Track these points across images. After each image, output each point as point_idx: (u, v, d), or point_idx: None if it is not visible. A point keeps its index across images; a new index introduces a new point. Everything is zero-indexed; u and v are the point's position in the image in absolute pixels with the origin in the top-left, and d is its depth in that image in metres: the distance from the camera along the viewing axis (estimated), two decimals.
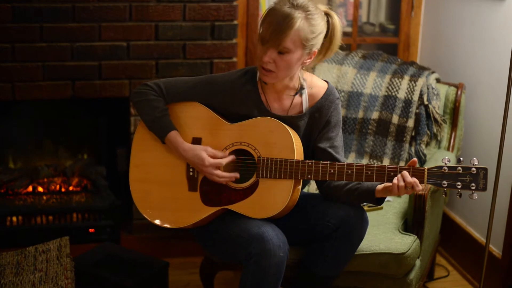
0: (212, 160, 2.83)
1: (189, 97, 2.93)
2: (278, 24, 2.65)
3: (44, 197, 4.02)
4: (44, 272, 3.04)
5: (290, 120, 2.86)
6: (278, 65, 2.72)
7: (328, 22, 2.78)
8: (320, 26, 2.73)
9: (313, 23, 2.69)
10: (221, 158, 2.85)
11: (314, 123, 2.90)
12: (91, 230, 3.94)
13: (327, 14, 2.79)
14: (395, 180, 2.67)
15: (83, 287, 3.25)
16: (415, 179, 2.66)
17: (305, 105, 2.89)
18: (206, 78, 2.95)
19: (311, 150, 2.92)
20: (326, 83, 2.94)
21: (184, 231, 3.03)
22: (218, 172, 2.83)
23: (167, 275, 3.49)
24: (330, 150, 2.88)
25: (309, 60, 2.78)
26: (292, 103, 2.89)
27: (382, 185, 2.76)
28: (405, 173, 2.67)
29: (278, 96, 2.88)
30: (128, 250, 3.57)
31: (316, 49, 2.76)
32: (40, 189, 4.06)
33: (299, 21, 2.65)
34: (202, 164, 2.83)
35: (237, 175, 2.85)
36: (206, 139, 2.90)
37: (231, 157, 2.85)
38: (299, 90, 2.87)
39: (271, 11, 2.70)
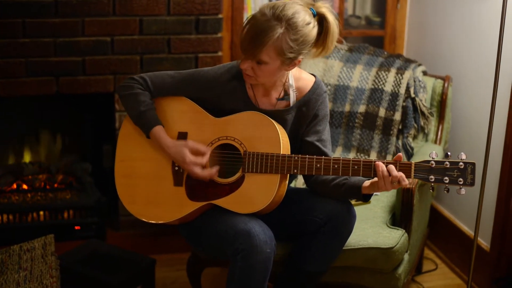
0: (193, 158, 2.81)
1: (175, 92, 2.91)
2: (254, 37, 2.61)
3: (29, 195, 3.99)
4: (29, 271, 3.01)
5: (277, 114, 2.84)
6: (256, 73, 2.71)
7: (323, 24, 2.73)
8: (304, 37, 2.66)
9: (294, 37, 2.63)
10: (203, 152, 2.83)
11: (301, 116, 2.88)
12: (76, 227, 3.93)
13: (322, 16, 2.72)
14: (379, 173, 2.65)
15: (68, 285, 3.22)
16: (401, 174, 2.64)
17: (293, 98, 2.86)
18: (193, 73, 2.92)
19: (298, 144, 2.90)
20: (313, 76, 2.92)
21: (170, 227, 3.01)
22: (198, 171, 2.81)
23: (153, 272, 3.46)
24: (317, 143, 2.87)
25: (292, 67, 2.75)
26: (280, 97, 2.87)
27: (369, 181, 2.75)
28: (391, 167, 2.65)
29: (265, 91, 2.86)
30: (114, 247, 3.55)
31: (301, 57, 2.72)
32: (25, 186, 4.03)
33: (275, 36, 2.60)
34: (183, 161, 2.82)
35: (215, 177, 2.83)
36: (192, 134, 2.88)
37: (207, 156, 2.84)
38: (284, 96, 2.86)
39: (252, 20, 2.65)
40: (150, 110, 2.87)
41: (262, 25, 2.61)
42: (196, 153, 2.83)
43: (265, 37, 2.60)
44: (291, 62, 2.71)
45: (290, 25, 2.62)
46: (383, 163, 2.67)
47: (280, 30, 2.61)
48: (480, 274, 3.62)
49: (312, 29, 2.68)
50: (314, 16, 2.71)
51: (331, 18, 2.74)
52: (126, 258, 3.43)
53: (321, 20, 2.73)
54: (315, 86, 2.89)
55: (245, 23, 2.67)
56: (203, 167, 2.84)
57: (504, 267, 3.54)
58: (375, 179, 2.70)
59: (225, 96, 2.86)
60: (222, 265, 3.30)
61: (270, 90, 2.86)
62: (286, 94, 2.86)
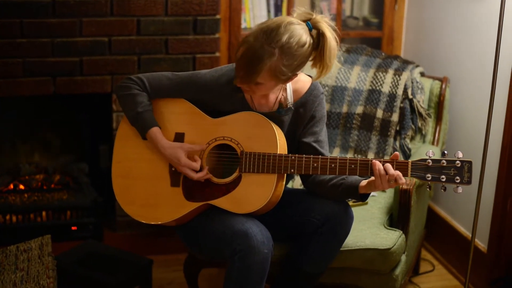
0: (187, 161, 2.80)
1: (172, 94, 2.90)
2: (248, 65, 2.59)
3: (26, 195, 3.98)
4: (26, 271, 3.00)
5: (275, 115, 2.84)
6: (254, 91, 2.71)
7: (319, 38, 2.67)
8: (300, 58, 2.63)
9: (288, 62, 2.60)
10: (198, 150, 2.83)
11: (298, 118, 2.88)
12: (73, 228, 3.92)
13: (319, 32, 2.66)
14: (376, 172, 2.65)
15: (65, 285, 3.21)
16: (398, 172, 2.64)
17: (290, 100, 2.86)
18: (190, 76, 2.91)
19: (296, 145, 2.90)
20: (310, 78, 2.91)
21: (167, 228, 3.00)
22: (191, 173, 2.81)
23: (150, 273, 3.46)
24: (314, 144, 2.86)
25: (290, 81, 2.74)
26: (277, 99, 2.86)
27: (366, 181, 2.75)
28: (388, 165, 2.65)
29: (263, 95, 2.85)
30: (111, 248, 3.54)
31: (298, 72, 2.70)
32: (22, 187, 4.02)
33: (269, 63, 2.57)
34: (178, 163, 2.82)
35: (208, 176, 2.82)
36: (189, 134, 2.87)
37: (201, 161, 2.84)
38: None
39: (245, 44, 2.61)
40: (147, 111, 2.86)
41: (256, 52, 2.57)
42: (192, 154, 2.83)
43: (259, 65, 2.58)
44: (288, 79, 2.70)
45: (284, 51, 2.59)
46: (380, 161, 2.67)
47: (274, 58, 2.58)
48: (477, 275, 3.62)
49: (307, 49, 2.64)
50: (310, 30, 2.66)
51: (328, 34, 2.66)
52: (123, 258, 3.43)
53: (318, 35, 2.67)
54: (312, 88, 2.89)
55: (239, 45, 2.64)
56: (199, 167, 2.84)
57: (501, 268, 3.54)
58: (372, 178, 2.70)
59: (222, 99, 2.85)
60: (219, 266, 3.29)
61: (268, 94, 2.86)
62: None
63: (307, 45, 2.63)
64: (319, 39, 2.67)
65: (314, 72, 2.76)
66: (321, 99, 2.90)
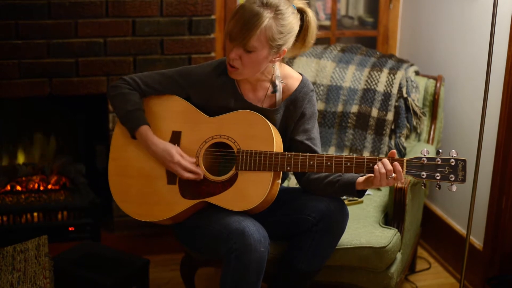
0: (181, 159, 2.82)
1: (165, 89, 2.92)
2: (245, 22, 2.65)
3: (23, 196, 3.98)
4: (23, 272, 3.01)
5: (266, 114, 2.85)
6: (243, 63, 2.73)
7: (303, 19, 2.78)
8: (290, 25, 2.72)
9: (282, 23, 2.69)
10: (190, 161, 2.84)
11: (289, 115, 2.90)
12: (70, 229, 3.91)
13: (302, 11, 2.78)
14: (376, 167, 2.66)
15: (62, 286, 3.22)
16: (398, 168, 2.65)
17: (279, 97, 2.88)
18: (182, 69, 2.95)
19: (288, 143, 2.92)
20: (300, 75, 2.94)
21: (164, 228, 3.01)
22: (182, 171, 2.82)
23: (147, 273, 3.46)
24: (307, 142, 2.88)
25: (278, 58, 2.79)
26: (267, 94, 2.88)
27: (364, 177, 2.76)
28: (386, 160, 2.66)
29: (252, 87, 2.88)
30: (108, 248, 3.54)
31: (286, 48, 2.76)
32: (19, 188, 4.02)
33: (267, 20, 2.65)
34: (170, 160, 2.82)
35: (200, 176, 2.83)
36: (185, 133, 2.88)
37: (199, 171, 2.84)
38: (274, 89, 2.87)
39: (240, 8, 2.70)
40: (138, 110, 2.87)
41: (252, 11, 2.66)
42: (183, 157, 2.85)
43: (257, 21, 2.64)
44: (278, 51, 2.74)
45: (278, 11, 2.68)
46: (376, 159, 2.68)
47: (269, 15, 2.66)
48: (473, 273, 3.63)
49: (296, 20, 2.75)
50: (295, 9, 2.77)
51: (310, 13, 2.80)
52: (120, 259, 3.42)
53: (302, 15, 2.78)
54: (302, 85, 2.91)
55: (233, 13, 2.71)
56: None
57: (497, 266, 3.54)
58: (370, 174, 2.72)
59: (214, 92, 2.87)
60: (216, 265, 3.30)
61: (256, 86, 2.88)
62: (275, 85, 2.88)
63: (295, 15, 2.74)
64: (302, 19, 2.78)
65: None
66: (311, 96, 2.92)
